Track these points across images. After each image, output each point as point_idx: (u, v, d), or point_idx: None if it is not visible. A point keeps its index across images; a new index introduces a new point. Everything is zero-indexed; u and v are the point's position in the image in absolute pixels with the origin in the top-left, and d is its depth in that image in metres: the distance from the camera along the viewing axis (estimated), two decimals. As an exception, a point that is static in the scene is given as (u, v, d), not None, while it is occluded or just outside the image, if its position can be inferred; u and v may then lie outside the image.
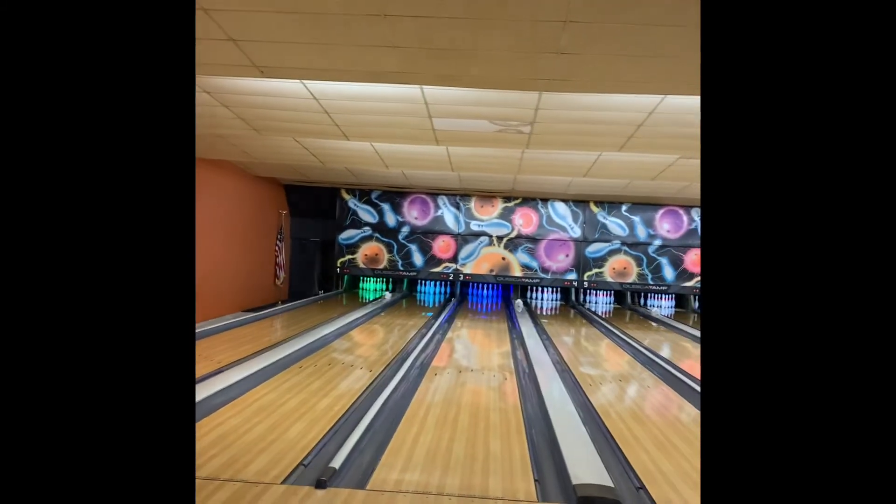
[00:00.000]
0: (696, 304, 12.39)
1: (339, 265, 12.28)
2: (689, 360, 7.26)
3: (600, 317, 10.49)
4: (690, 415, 4.51)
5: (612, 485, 2.93)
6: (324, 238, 12.42)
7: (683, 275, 11.92)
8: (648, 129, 5.81)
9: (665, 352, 7.28)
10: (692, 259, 11.88)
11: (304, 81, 4.80)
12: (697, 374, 6.03)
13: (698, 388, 5.05)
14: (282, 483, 2.94)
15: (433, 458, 3.32)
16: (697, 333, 8.92)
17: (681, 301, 12.51)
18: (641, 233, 11.93)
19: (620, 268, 12.00)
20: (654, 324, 10.20)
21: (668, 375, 5.72)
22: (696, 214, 11.88)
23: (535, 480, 3.07)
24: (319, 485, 2.89)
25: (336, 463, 3.12)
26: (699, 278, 11.88)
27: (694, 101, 4.95)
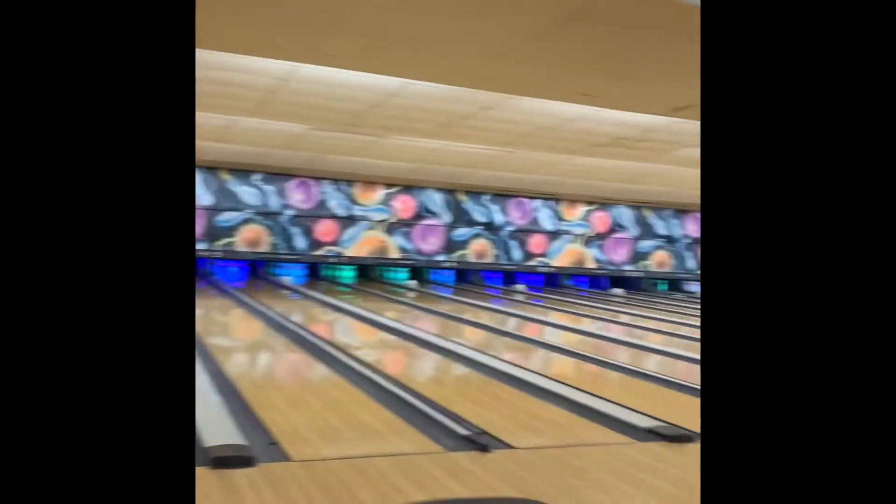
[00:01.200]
0: (328, 272, 12.99)
1: None
2: (319, 324, 7.63)
3: (233, 287, 10.32)
4: (322, 374, 4.74)
5: (244, 443, 2.94)
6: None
7: (314, 244, 12.32)
8: (282, 97, 5.87)
9: (298, 318, 7.50)
10: (322, 229, 12.32)
11: None
12: (328, 336, 6.36)
13: (329, 349, 5.33)
14: None
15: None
16: (328, 299, 9.38)
17: (314, 270, 12.96)
18: (275, 202, 11.97)
19: (253, 237, 11.92)
20: (286, 292, 10.40)
21: (300, 340, 5.91)
22: (324, 186, 12.28)
23: (164, 452, 2.92)
24: None
25: None
26: (331, 247, 12.43)
27: (325, 72, 5.13)
